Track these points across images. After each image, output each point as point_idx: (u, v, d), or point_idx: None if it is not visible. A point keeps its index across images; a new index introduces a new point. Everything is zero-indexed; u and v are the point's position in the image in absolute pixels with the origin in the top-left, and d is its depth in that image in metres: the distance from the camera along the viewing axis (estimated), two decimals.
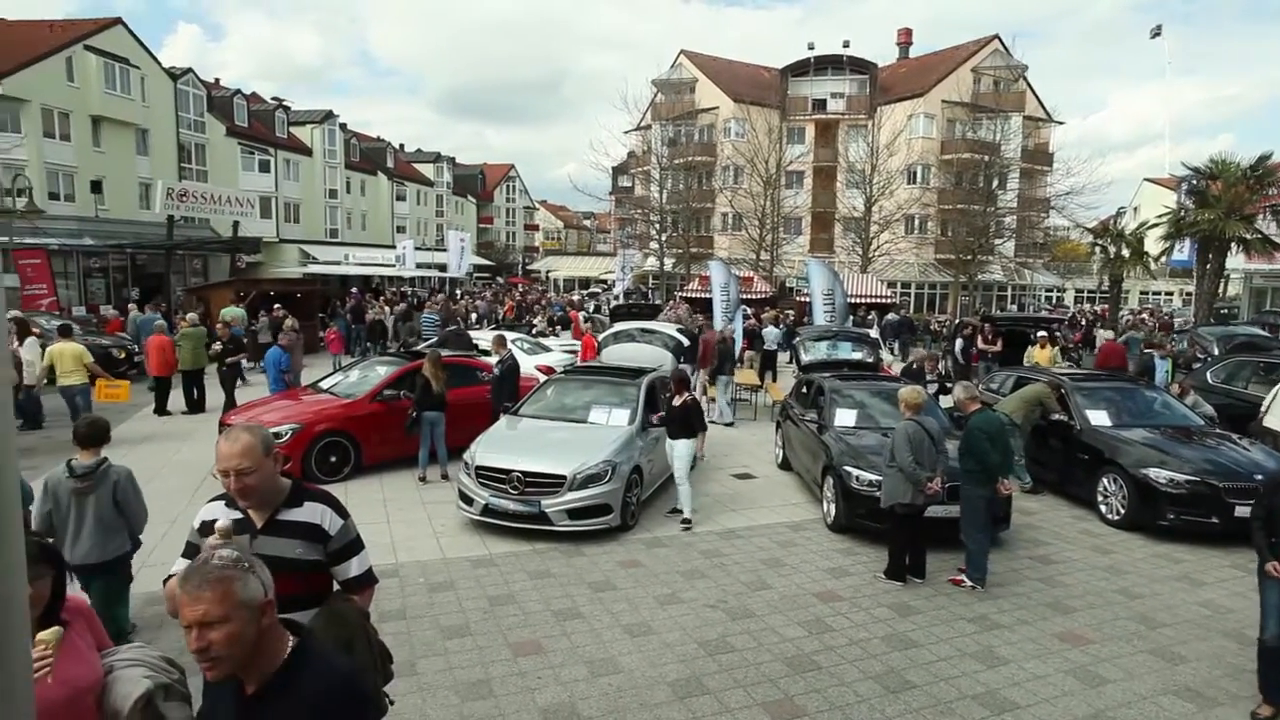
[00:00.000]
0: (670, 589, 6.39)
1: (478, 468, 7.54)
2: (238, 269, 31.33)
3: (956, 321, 26.60)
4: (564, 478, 7.27)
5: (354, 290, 30.25)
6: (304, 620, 2.64)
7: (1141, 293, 48.86)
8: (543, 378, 11.63)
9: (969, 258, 34.53)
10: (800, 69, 47.01)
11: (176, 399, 13.19)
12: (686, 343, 12.84)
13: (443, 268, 36.47)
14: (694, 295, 29.45)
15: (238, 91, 43.50)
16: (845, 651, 5.38)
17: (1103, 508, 8.43)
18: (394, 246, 39.52)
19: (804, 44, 52.83)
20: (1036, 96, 44.82)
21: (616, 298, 35.82)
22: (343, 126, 50.46)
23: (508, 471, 7.35)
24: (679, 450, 8.07)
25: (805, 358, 12.99)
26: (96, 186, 32.09)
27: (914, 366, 12.40)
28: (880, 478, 6.85)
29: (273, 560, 2.80)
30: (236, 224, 29.41)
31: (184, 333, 13.64)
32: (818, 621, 5.84)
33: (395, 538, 7.44)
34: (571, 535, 7.37)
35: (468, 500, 7.59)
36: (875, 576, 6.71)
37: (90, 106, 31.85)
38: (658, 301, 33.05)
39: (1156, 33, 50.04)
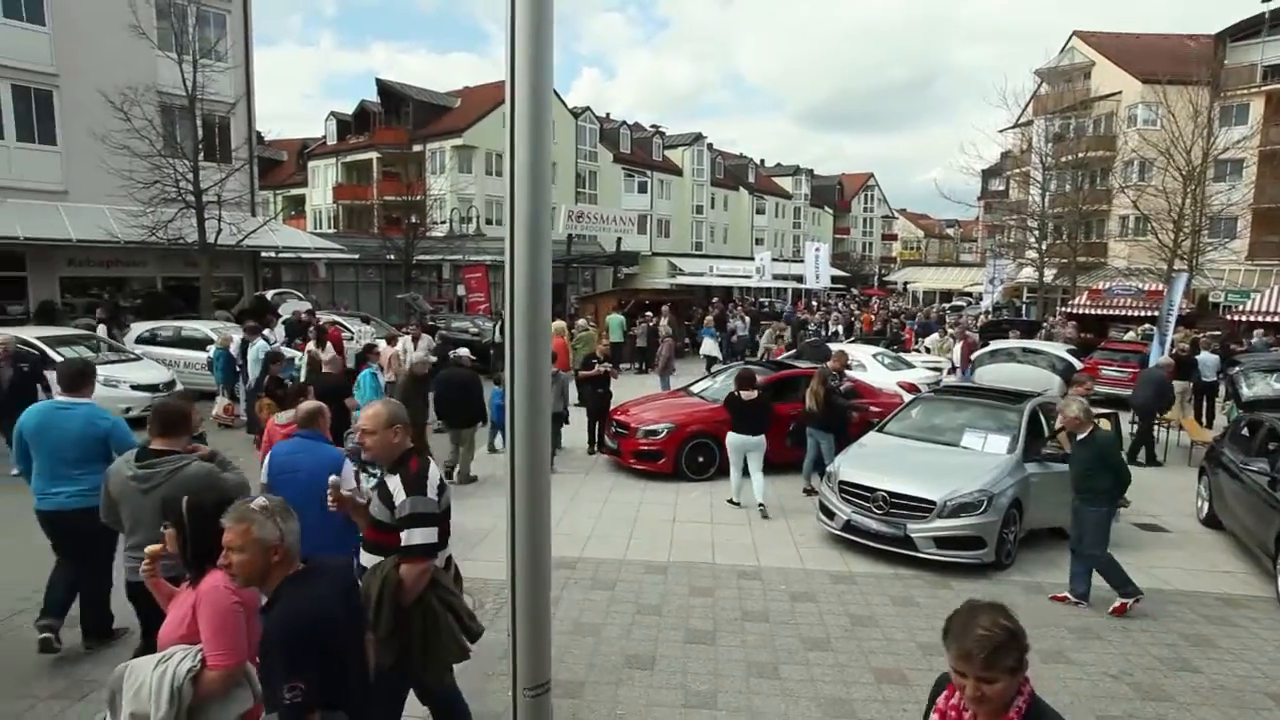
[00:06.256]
0: (1057, 645, 5.64)
1: (841, 482, 7.49)
2: (618, 280, 35.48)
3: None
4: (933, 503, 6.87)
5: (715, 300, 32.21)
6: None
7: None
8: (905, 395, 11.17)
9: None
10: (1245, 30, 37.98)
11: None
12: (1079, 365, 11.18)
13: (799, 279, 36.98)
14: (1081, 311, 25.64)
15: (623, 122, 49.40)
16: None
17: None
18: (752, 258, 41.24)
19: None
20: None
21: (986, 313, 32.77)
22: (710, 146, 54.21)
23: (873, 490, 7.19)
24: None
25: (1248, 392, 10.45)
26: None
27: None
28: None
29: (371, 513, 3.46)
30: (619, 240, 33.33)
31: (579, 336, 15.87)
32: None
33: (756, 541, 7.75)
34: (937, 564, 6.93)
35: (829, 514, 7.58)
36: None
37: None
38: (1033, 318, 29.44)
39: None
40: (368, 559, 3.51)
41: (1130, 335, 21.31)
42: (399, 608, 3.23)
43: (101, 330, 15.13)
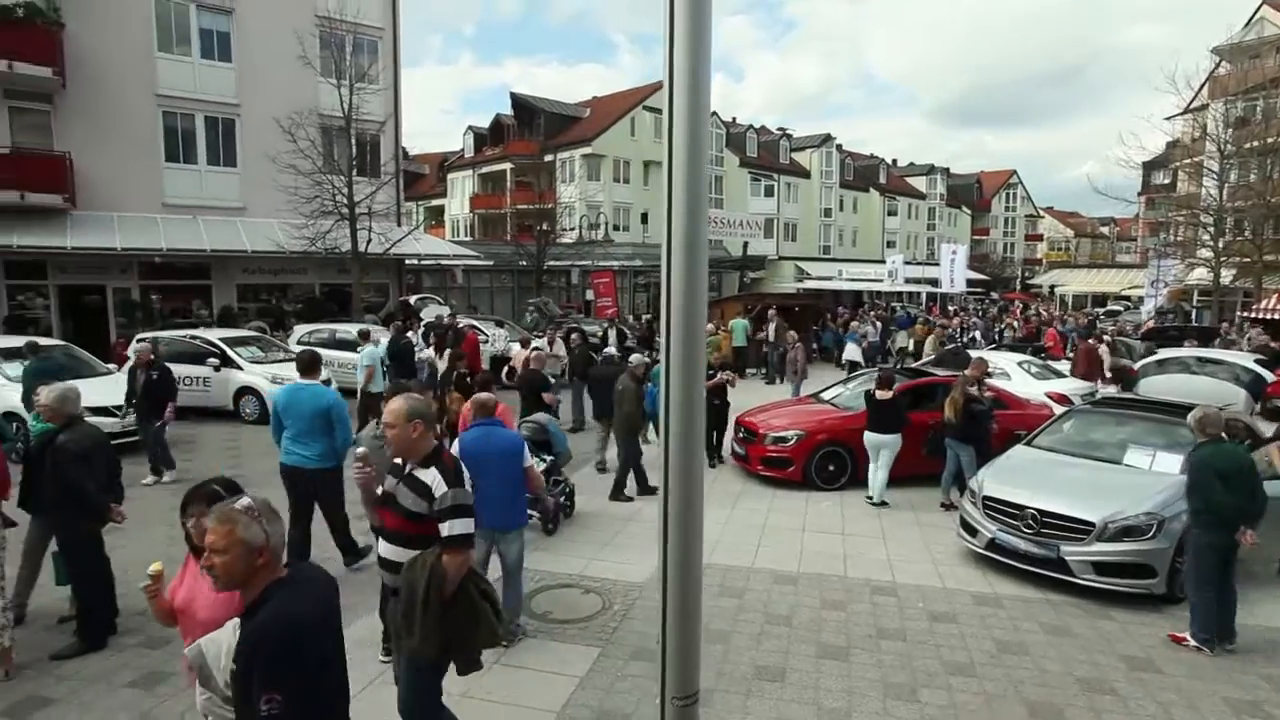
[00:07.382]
0: (1250, 695, 5.01)
1: (985, 498, 7.02)
2: (744, 284, 35.18)
3: None
4: (1092, 524, 6.30)
5: (840, 308, 31.28)
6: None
7: None
8: (1056, 406, 10.37)
9: None
10: None
11: None
12: (1271, 377, 9.90)
13: (934, 282, 35.25)
14: (1269, 316, 22.86)
15: (750, 126, 48.93)
16: None
17: None
18: (884, 261, 39.72)
19: None
20: None
21: (1150, 317, 29.95)
22: (839, 148, 52.70)
23: (1021, 507, 6.68)
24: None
25: None
26: (644, 218, 39.59)
27: None
28: None
29: (401, 505, 3.51)
30: (746, 244, 33.06)
31: (706, 340, 15.83)
32: None
33: (891, 556, 7.40)
34: (1096, 592, 6.35)
35: (971, 530, 7.13)
36: None
37: (644, 154, 39.44)
38: (1205, 323, 26.56)
39: None
40: (386, 548, 3.64)
41: None
42: (443, 600, 3.34)
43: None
